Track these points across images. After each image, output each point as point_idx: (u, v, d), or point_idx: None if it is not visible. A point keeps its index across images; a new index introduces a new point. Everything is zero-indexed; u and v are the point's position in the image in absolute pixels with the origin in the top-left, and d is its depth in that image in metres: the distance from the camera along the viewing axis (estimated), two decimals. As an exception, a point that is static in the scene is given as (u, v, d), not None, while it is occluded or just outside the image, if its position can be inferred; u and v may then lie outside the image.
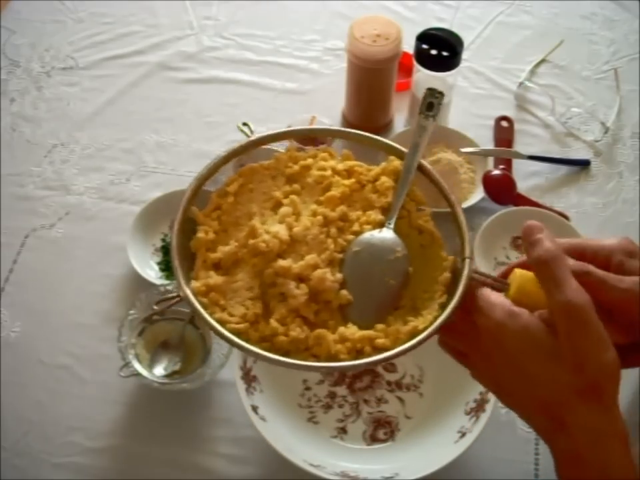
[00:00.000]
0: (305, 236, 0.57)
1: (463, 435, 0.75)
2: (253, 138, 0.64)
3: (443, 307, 0.55)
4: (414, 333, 0.54)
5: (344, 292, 0.56)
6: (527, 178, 1.05)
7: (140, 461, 0.81)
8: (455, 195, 0.60)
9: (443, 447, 0.75)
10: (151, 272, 0.93)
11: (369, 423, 0.82)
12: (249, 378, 0.79)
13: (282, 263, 0.56)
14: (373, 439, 0.81)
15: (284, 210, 0.59)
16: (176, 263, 0.56)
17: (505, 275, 0.56)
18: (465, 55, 1.06)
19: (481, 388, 0.77)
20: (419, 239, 0.60)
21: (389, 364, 0.86)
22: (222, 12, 1.27)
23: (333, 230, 0.58)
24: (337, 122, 1.10)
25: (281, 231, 0.57)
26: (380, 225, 0.59)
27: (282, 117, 1.07)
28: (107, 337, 0.85)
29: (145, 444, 0.81)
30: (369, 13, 1.04)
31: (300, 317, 0.56)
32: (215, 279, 0.57)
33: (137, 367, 0.81)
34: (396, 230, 0.59)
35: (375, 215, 0.59)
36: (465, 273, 0.55)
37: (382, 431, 0.82)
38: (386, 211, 0.60)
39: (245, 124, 0.59)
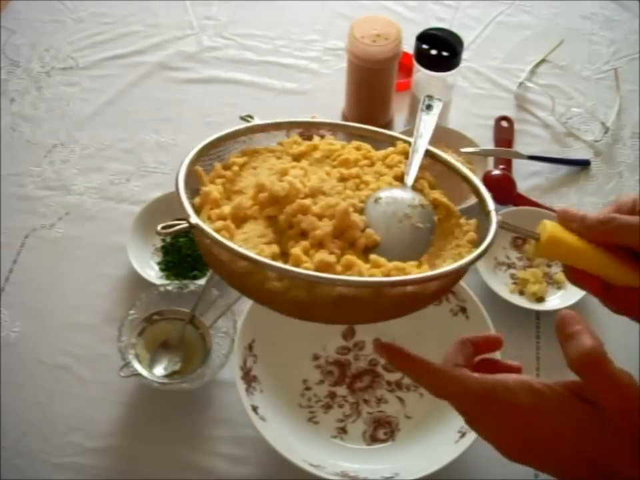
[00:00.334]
0: (322, 187, 0.53)
1: (463, 435, 0.75)
2: (257, 122, 0.62)
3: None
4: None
5: (370, 230, 0.51)
6: (527, 178, 1.05)
7: (140, 461, 0.81)
8: (468, 166, 0.59)
9: (442, 447, 0.75)
10: (151, 272, 0.93)
11: (369, 423, 0.82)
12: (248, 378, 0.79)
13: (302, 201, 0.51)
14: (373, 439, 0.81)
15: (294, 172, 0.54)
16: (183, 197, 0.52)
17: None
18: (465, 55, 1.06)
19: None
20: (435, 212, 0.57)
21: (389, 364, 0.85)
22: (222, 12, 1.27)
23: (350, 184, 0.55)
24: (337, 122, 1.10)
25: (296, 182, 0.52)
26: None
27: (282, 117, 1.07)
28: (107, 336, 0.85)
29: (145, 444, 0.81)
30: (369, 12, 1.04)
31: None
32: (222, 223, 0.51)
33: (137, 366, 0.81)
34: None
35: (391, 180, 0.56)
36: (494, 221, 0.53)
37: (382, 431, 0.82)
38: (400, 179, 0.57)
39: (248, 115, 0.58)
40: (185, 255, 0.93)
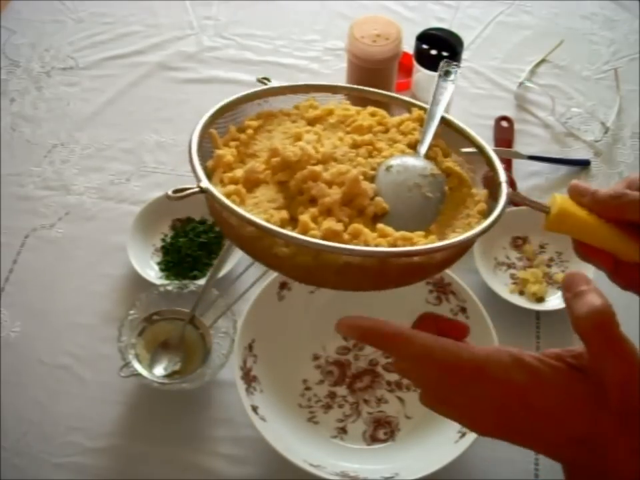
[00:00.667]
0: (334, 153, 0.53)
1: (463, 435, 0.75)
2: (274, 84, 0.60)
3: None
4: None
5: (379, 199, 0.51)
6: (527, 178, 1.05)
7: (140, 461, 0.81)
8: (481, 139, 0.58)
9: (442, 447, 0.75)
10: (151, 272, 0.93)
11: (369, 423, 0.82)
12: (249, 378, 0.79)
13: (312, 168, 0.51)
14: (373, 439, 0.81)
15: (308, 137, 0.54)
16: (195, 162, 0.52)
17: None
18: (465, 55, 1.07)
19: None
20: (447, 182, 0.56)
21: (388, 364, 0.85)
22: (222, 12, 1.27)
23: (363, 151, 0.54)
24: (337, 122, 1.10)
25: (308, 147, 0.52)
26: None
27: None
28: (107, 336, 0.85)
29: (145, 444, 0.82)
30: (369, 12, 1.04)
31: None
32: (235, 187, 0.51)
33: (137, 366, 0.81)
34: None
35: (403, 148, 0.56)
36: (504, 192, 0.52)
37: (382, 430, 0.82)
38: (413, 147, 0.56)
39: (264, 78, 0.58)
40: (184, 255, 0.93)
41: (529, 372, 0.47)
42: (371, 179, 0.52)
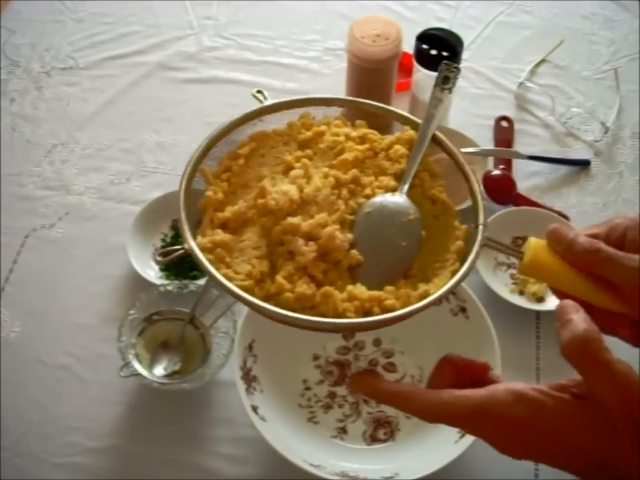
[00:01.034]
0: (316, 196, 0.56)
1: (463, 434, 0.75)
2: (266, 104, 0.62)
3: (454, 273, 0.54)
4: (424, 297, 0.52)
5: (354, 252, 0.54)
6: (527, 178, 1.05)
7: (140, 461, 0.81)
8: (469, 166, 0.59)
9: (442, 447, 0.75)
10: (151, 272, 0.93)
11: (369, 422, 0.82)
12: (248, 378, 0.79)
13: (291, 220, 0.54)
14: (373, 439, 0.81)
15: (295, 172, 0.57)
16: (182, 215, 0.55)
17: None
18: (465, 55, 1.06)
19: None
20: (431, 209, 0.59)
21: (388, 364, 0.86)
22: (222, 12, 1.27)
23: (345, 192, 0.57)
24: (337, 122, 1.10)
25: (292, 190, 0.55)
26: (393, 191, 0.57)
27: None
28: (107, 336, 0.85)
29: (145, 444, 0.81)
30: (369, 12, 1.04)
31: (307, 276, 0.53)
32: (221, 235, 0.55)
33: (137, 366, 0.81)
34: (409, 196, 0.57)
35: (388, 181, 0.58)
36: (479, 238, 0.54)
37: (382, 430, 0.82)
38: (399, 178, 0.58)
39: (259, 91, 0.60)
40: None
41: (532, 406, 0.48)
42: (350, 225, 0.56)
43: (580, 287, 0.52)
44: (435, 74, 1.00)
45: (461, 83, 1.13)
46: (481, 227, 0.55)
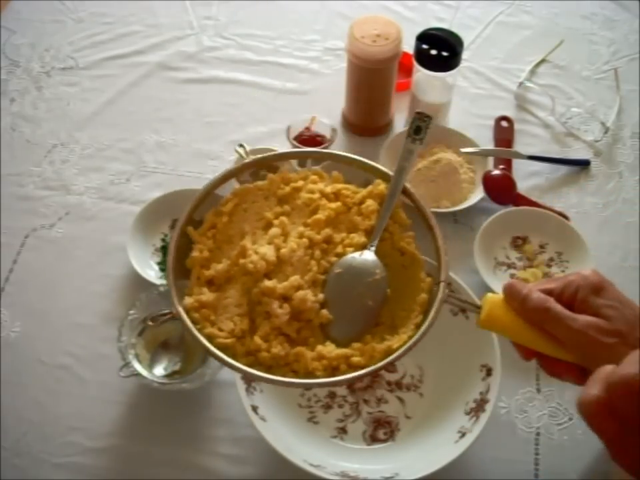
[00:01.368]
0: (291, 257, 0.61)
1: (463, 434, 0.75)
2: (247, 160, 0.67)
3: (418, 326, 0.59)
4: (388, 352, 0.58)
5: (324, 311, 0.60)
6: (527, 178, 1.05)
7: (140, 461, 0.81)
8: (435, 219, 0.62)
9: (443, 447, 0.75)
10: (151, 272, 0.93)
11: (369, 423, 0.82)
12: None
13: (267, 283, 0.60)
14: (373, 439, 0.81)
15: (273, 231, 0.62)
16: (170, 281, 0.60)
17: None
18: (465, 55, 1.07)
19: (481, 388, 0.77)
20: (400, 259, 0.63)
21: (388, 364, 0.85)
22: (222, 12, 1.27)
23: (317, 252, 0.62)
24: (337, 122, 1.10)
25: (269, 252, 0.61)
26: (362, 247, 0.62)
27: (282, 117, 1.08)
28: (107, 336, 0.85)
29: (145, 444, 0.81)
30: (369, 12, 1.04)
31: (283, 334, 0.60)
32: (207, 295, 0.61)
33: (137, 366, 0.81)
34: (377, 252, 0.62)
35: (359, 238, 0.62)
36: (439, 296, 0.58)
37: (382, 430, 0.82)
38: (369, 233, 0.63)
39: (240, 145, 0.64)
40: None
41: None
42: (322, 284, 0.61)
43: (532, 340, 0.57)
44: (435, 74, 1.02)
45: (461, 83, 1.14)
46: (442, 284, 0.59)
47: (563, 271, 0.94)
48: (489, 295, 0.58)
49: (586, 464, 0.80)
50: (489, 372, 0.78)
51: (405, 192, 0.63)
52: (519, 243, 0.98)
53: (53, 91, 1.16)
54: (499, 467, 0.80)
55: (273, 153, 0.68)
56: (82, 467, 0.80)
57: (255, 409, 0.76)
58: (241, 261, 0.61)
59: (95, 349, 0.88)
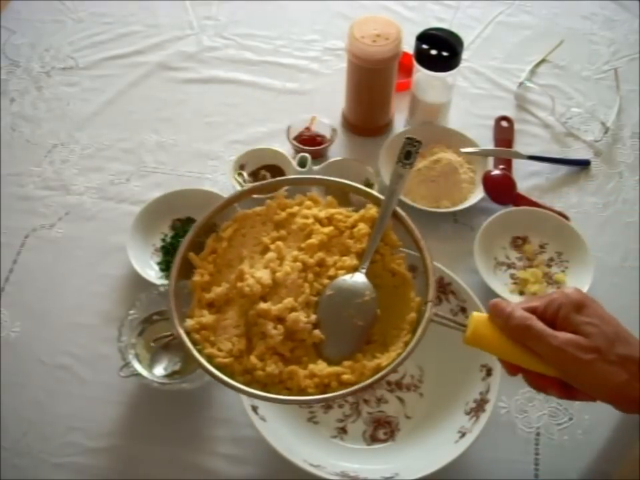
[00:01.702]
0: (285, 280, 0.64)
1: (463, 434, 0.75)
2: (245, 188, 0.70)
3: (407, 344, 0.61)
4: (377, 369, 0.61)
5: (316, 332, 0.63)
6: (527, 178, 1.05)
7: (140, 461, 0.81)
8: (425, 241, 0.64)
9: (442, 447, 0.75)
10: (151, 272, 0.93)
11: (369, 422, 0.82)
12: (248, 378, 0.79)
13: (262, 305, 0.62)
14: (373, 439, 0.81)
15: (269, 255, 0.65)
16: (172, 305, 0.63)
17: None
18: (465, 55, 1.07)
19: (481, 388, 0.77)
20: (392, 280, 0.66)
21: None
22: (222, 12, 1.27)
23: (310, 275, 0.64)
24: (337, 122, 1.10)
25: (264, 276, 0.63)
26: (354, 270, 0.64)
27: (282, 117, 1.08)
28: (107, 336, 0.85)
29: (145, 444, 0.82)
30: (369, 13, 1.04)
31: (277, 354, 0.62)
32: (207, 317, 0.63)
33: (137, 366, 0.81)
34: (369, 273, 0.64)
35: (350, 260, 0.65)
36: (426, 316, 0.61)
37: (382, 430, 0.82)
38: (361, 255, 0.65)
39: (239, 174, 0.67)
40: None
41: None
42: (315, 305, 0.63)
43: (516, 356, 0.59)
44: (435, 74, 1.01)
45: (461, 83, 1.14)
46: (429, 304, 0.61)
47: (562, 271, 0.94)
48: (475, 313, 0.60)
49: (586, 464, 0.80)
50: (488, 372, 0.78)
51: (395, 215, 0.65)
52: (518, 242, 0.98)
53: (53, 91, 1.16)
54: (498, 467, 0.80)
55: (270, 180, 0.73)
56: (82, 467, 0.80)
57: (254, 409, 0.76)
58: (239, 284, 0.63)
59: (95, 349, 0.88)
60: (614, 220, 1.02)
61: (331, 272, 0.65)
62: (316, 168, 1.00)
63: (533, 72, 1.19)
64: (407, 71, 1.08)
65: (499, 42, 1.24)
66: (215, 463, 0.80)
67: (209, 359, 0.62)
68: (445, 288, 0.83)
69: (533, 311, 0.59)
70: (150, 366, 0.82)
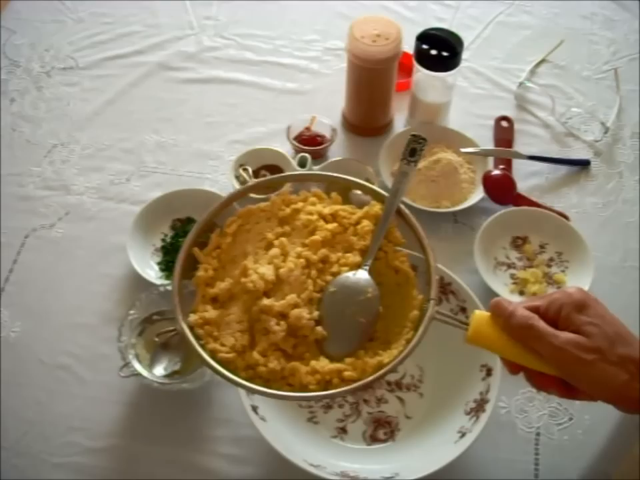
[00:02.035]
0: (289, 277, 0.63)
1: (463, 434, 0.75)
2: (250, 184, 0.69)
3: (409, 342, 0.61)
4: (379, 367, 0.60)
5: (319, 328, 0.63)
6: (527, 178, 1.05)
7: (140, 461, 0.81)
8: (428, 240, 0.64)
9: (442, 447, 0.75)
10: (151, 272, 0.93)
11: (369, 422, 0.82)
12: (248, 378, 0.79)
13: (265, 301, 0.62)
14: (373, 439, 0.81)
15: (273, 251, 0.65)
16: (176, 300, 0.63)
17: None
18: (465, 55, 1.06)
19: (481, 388, 0.77)
20: (395, 277, 0.66)
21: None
22: (222, 12, 1.27)
23: (314, 272, 0.64)
24: (337, 122, 1.10)
25: (268, 272, 0.63)
26: (357, 267, 0.64)
27: (282, 117, 1.08)
28: (107, 337, 0.85)
29: (145, 444, 0.82)
30: (369, 12, 1.04)
31: (279, 350, 0.62)
32: (210, 312, 0.64)
33: (137, 366, 0.81)
34: (372, 270, 0.64)
35: (354, 257, 0.65)
36: (428, 313, 0.61)
37: (382, 431, 0.82)
38: (364, 252, 0.65)
39: (244, 169, 0.66)
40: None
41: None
42: (317, 302, 0.63)
43: (518, 355, 0.59)
44: (435, 74, 1.01)
45: (461, 83, 1.14)
46: (432, 302, 0.61)
47: (562, 271, 0.94)
48: (477, 312, 0.60)
49: (586, 464, 0.80)
50: (488, 372, 0.78)
51: (399, 213, 0.65)
52: (518, 242, 0.98)
53: (53, 91, 1.16)
54: (498, 467, 0.80)
55: (275, 176, 0.71)
56: (82, 467, 0.80)
57: (254, 408, 0.76)
58: (242, 280, 0.63)
59: (95, 349, 0.88)
60: (614, 220, 1.02)
61: (334, 268, 0.65)
62: (316, 168, 1.00)
63: (532, 72, 1.19)
64: (407, 71, 1.08)
65: (499, 42, 1.24)
66: (215, 463, 0.80)
67: (212, 354, 0.61)
68: (445, 288, 0.83)
69: (534, 310, 0.59)
70: (150, 366, 0.82)
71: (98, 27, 1.25)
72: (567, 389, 0.58)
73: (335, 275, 0.64)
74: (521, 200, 1.00)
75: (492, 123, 1.11)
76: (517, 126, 1.11)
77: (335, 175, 0.70)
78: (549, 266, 0.95)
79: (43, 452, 0.81)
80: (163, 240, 0.97)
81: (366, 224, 0.66)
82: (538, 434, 0.82)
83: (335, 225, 0.66)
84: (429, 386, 0.84)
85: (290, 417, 0.80)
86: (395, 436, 0.81)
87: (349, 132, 1.10)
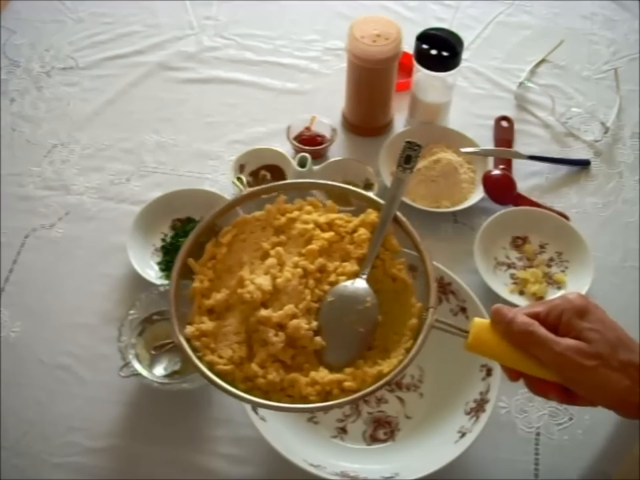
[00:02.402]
0: (286, 287, 0.63)
1: (463, 434, 0.75)
2: (245, 192, 0.69)
3: (408, 350, 0.60)
4: (379, 376, 0.60)
5: (317, 338, 0.62)
6: (527, 178, 1.05)
7: (140, 461, 0.81)
8: (425, 245, 0.64)
9: (442, 447, 0.75)
10: (151, 272, 0.93)
11: (369, 422, 0.82)
12: (248, 378, 0.79)
13: (263, 312, 0.62)
14: (373, 439, 0.81)
15: (269, 261, 0.64)
16: (173, 311, 0.62)
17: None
18: (465, 55, 1.06)
19: (481, 388, 0.77)
20: (393, 285, 0.65)
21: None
22: (222, 12, 1.27)
23: (311, 281, 0.64)
24: (337, 122, 1.10)
25: (265, 282, 0.63)
26: (355, 275, 0.64)
27: (282, 117, 1.08)
28: (107, 337, 0.85)
29: (145, 444, 0.82)
30: (369, 12, 1.04)
31: (278, 361, 0.62)
32: (207, 324, 0.63)
33: (137, 366, 0.81)
34: (369, 279, 0.64)
35: (351, 266, 0.64)
36: (427, 322, 0.60)
37: (382, 431, 0.82)
38: (362, 261, 0.64)
39: (239, 179, 0.67)
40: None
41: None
42: (315, 312, 0.63)
43: (518, 362, 0.58)
44: (435, 74, 1.01)
45: (461, 83, 1.14)
46: (430, 310, 0.61)
47: (562, 271, 0.94)
48: (476, 319, 0.60)
49: (586, 464, 0.80)
50: (488, 372, 0.78)
51: (396, 220, 0.65)
52: (518, 242, 0.98)
53: (53, 91, 1.16)
54: (498, 467, 0.80)
55: (270, 185, 0.70)
56: (82, 467, 0.80)
57: (254, 409, 0.76)
58: (239, 290, 0.63)
59: (95, 349, 0.88)
60: (614, 220, 1.02)
61: (332, 278, 0.64)
62: (316, 168, 1.00)
63: (532, 72, 1.19)
64: (407, 71, 1.08)
65: (499, 42, 1.24)
66: (215, 463, 0.80)
67: (210, 366, 0.61)
68: (444, 288, 0.83)
69: (535, 316, 0.58)
70: (150, 366, 0.82)
71: (98, 26, 1.25)
72: (567, 394, 0.58)
73: (332, 284, 0.64)
74: (521, 200, 1.00)
75: (492, 123, 1.11)
76: (517, 126, 1.11)
77: (331, 183, 0.71)
78: (549, 266, 0.95)
79: (43, 452, 0.81)
80: (163, 240, 0.97)
81: (362, 232, 0.65)
82: (538, 434, 0.82)
83: (331, 233, 0.66)
84: (429, 386, 0.84)
85: (290, 417, 0.80)
86: (394, 436, 0.81)
87: (348, 132, 1.10)
